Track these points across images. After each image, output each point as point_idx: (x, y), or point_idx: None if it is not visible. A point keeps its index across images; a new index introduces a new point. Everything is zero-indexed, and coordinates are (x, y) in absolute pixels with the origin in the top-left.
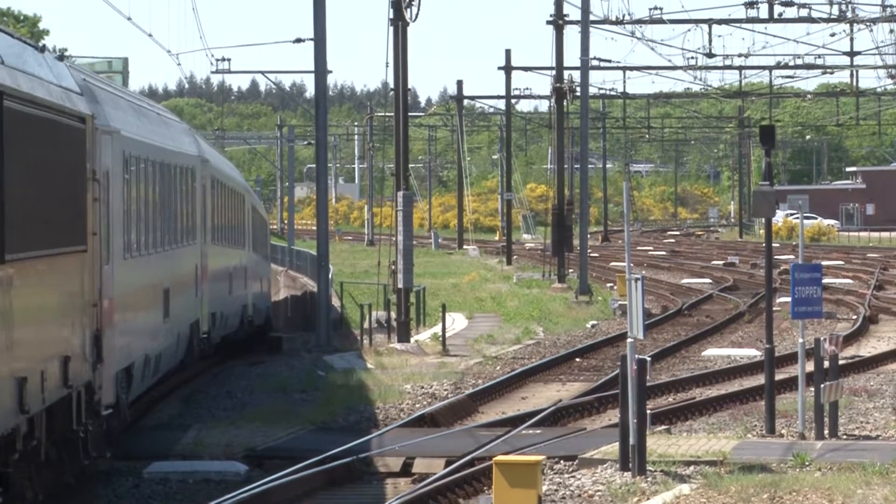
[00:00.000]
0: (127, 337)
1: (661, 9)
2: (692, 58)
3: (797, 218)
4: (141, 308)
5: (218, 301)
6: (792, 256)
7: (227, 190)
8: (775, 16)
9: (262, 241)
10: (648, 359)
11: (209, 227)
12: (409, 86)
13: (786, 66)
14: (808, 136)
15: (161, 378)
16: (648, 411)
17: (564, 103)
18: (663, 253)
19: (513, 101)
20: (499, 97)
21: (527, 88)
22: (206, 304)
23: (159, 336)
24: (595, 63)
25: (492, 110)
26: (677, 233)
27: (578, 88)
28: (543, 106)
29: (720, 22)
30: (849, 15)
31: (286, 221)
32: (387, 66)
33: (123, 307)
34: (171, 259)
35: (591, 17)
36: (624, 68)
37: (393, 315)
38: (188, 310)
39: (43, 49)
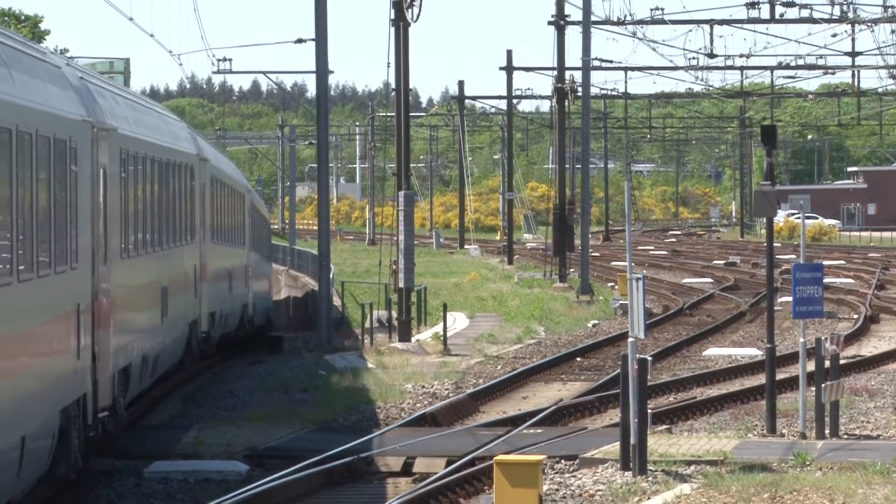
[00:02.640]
0: None
1: (662, 9)
2: (693, 58)
3: (798, 218)
4: None
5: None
6: (793, 256)
7: (162, 167)
8: (777, 16)
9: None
10: (649, 358)
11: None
12: (411, 86)
13: (787, 67)
14: (809, 136)
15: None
16: (649, 411)
17: (566, 103)
18: (664, 252)
19: (514, 101)
20: (500, 97)
21: (528, 89)
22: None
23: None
24: (596, 63)
25: (493, 110)
26: (678, 232)
27: (580, 88)
28: (545, 106)
29: (721, 22)
30: (850, 15)
31: (287, 221)
32: (388, 67)
33: None
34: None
35: (593, 18)
36: (625, 68)
37: (394, 314)
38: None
39: None
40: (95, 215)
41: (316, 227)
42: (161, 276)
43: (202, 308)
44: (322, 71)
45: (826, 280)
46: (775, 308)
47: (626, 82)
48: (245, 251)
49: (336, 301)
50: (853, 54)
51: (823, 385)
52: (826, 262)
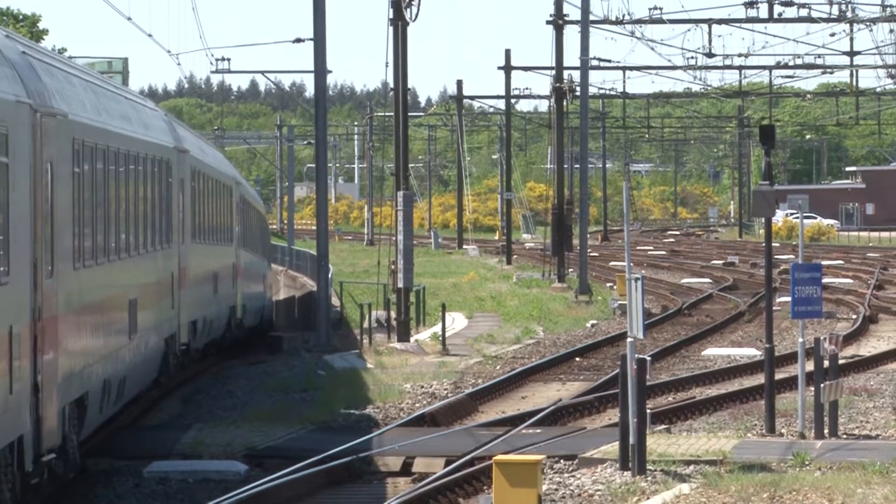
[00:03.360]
0: None
1: (660, 9)
2: (692, 57)
3: (797, 217)
4: None
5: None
6: (792, 256)
7: (130, 161)
8: (775, 15)
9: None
10: (648, 358)
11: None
12: (409, 85)
13: (785, 66)
14: (807, 136)
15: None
16: (648, 411)
17: (564, 103)
18: (663, 252)
19: (512, 100)
20: (498, 97)
21: (526, 88)
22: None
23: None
24: (595, 63)
25: (491, 110)
26: (677, 232)
27: (578, 88)
28: (543, 106)
29: (720, 22)
30: (848, 15)
31: (286, 221)
32: (386, 66)
33: None
34: None
35: (591, 17)
36: (624, 68)
37: (393, 314)
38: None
39: None
40: (38, 219)
41: (314, 228)
42: (129, 288)
43: (181, 318)
44: (320, 70)
45: (825, 280)
46: (774, 308)
47: (624, 82)
48: (233, 249)
49: (335, 301)
50: (851, 54)
51: (822, 385)
52: (825, 262)
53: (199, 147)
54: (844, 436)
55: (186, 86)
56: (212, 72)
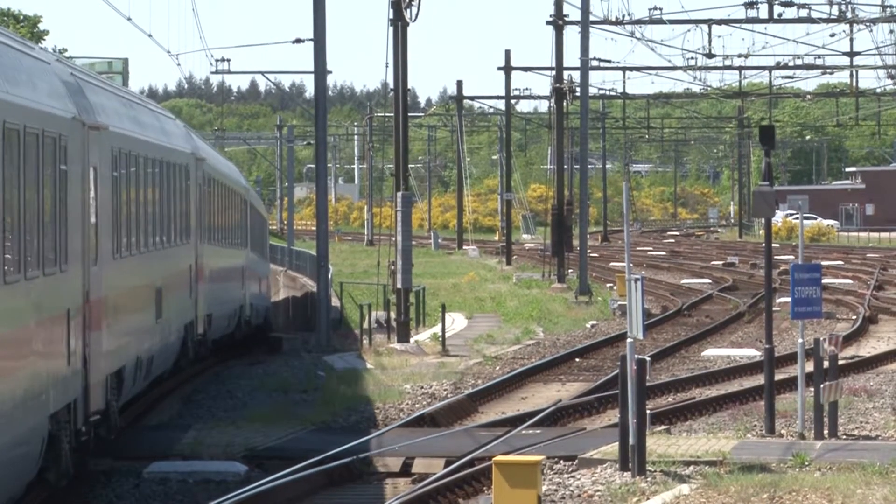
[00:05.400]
0: None
1: (660, 9)
2: (692, 58)
3: (797, 218)
4: None
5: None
6: (791, 257)
7: None
8: (775, 16)
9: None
10: (648, 359)
11: None
12: (409, 86)
13: (785, 67)
14: (807, 137)
15: None
16: (648, 411)
17: (564, 103)
18: (663, 253)
19: (512, 101)
20: (498, 97)
21: (526, 89)
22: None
23: None
24: (595, 63)
25: (491, 110)
26: (677, 233)
27: (578, 89)
28: (543, 106)
29: (720, 22)
30: (848, 15)
31: (286, 222)
32: (387, 67)
33: None
34: None
35: (591, 18)
36: (624, 69)
37: (392, 315)
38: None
39: None
40: None
41: (314, 228)
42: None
43: (91, 376)
44: (320, 71)
45: (824, 280)
46: (774, 308)
47: (624, 82)
48: (192, 246)
49: (335, 302)
50: (851, 54)
51: (822, 385)
52: (824, 263)
53: (132, 119)
54: (844, 436)
55: (186, 86)
56: (212, 72)
